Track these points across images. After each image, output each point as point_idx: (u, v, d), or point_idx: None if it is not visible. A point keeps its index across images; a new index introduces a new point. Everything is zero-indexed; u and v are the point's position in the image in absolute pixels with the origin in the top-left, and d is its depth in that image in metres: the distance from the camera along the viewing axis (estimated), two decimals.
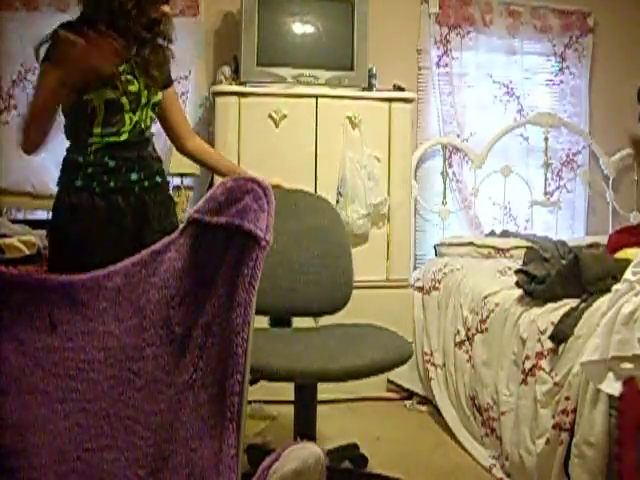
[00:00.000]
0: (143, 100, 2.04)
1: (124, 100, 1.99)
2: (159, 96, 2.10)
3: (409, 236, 3.46)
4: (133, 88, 2.01)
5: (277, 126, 3.15)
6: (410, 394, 3.26)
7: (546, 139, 3.87)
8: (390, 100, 3.27)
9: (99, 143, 2.01)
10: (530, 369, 2.23)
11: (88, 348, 1.47)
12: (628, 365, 1.79)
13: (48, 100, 1.96)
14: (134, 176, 2.04)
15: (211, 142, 3.21)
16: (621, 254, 2.47)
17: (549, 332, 2.16)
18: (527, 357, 2.27)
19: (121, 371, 1.46)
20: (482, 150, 3.77)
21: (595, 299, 2.13)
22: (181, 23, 3.24)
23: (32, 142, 2.03)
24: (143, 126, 2.07)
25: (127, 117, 2.01)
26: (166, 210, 2.12)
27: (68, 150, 2.11)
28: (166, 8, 2.01)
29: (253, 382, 2.02)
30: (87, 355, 1.47)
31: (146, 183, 2.07)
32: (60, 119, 2.10)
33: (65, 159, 2.12)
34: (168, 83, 2.17)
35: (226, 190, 1.47)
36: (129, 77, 2.00)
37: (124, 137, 2.02)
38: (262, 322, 2.29)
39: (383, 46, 3.54)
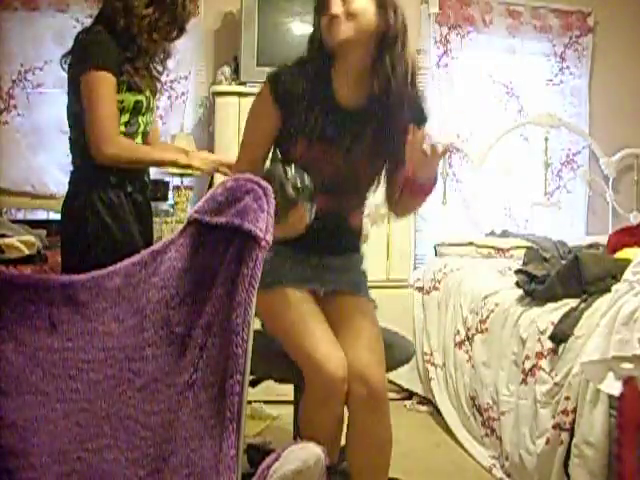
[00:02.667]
0: (151, 105, 2.15)
1: (144, 103, 2.09)
2: (154, 105, 2.20)
3: (409, 236, 3.46)
4: (147, 92, 2.10)
5: None
6: (410, 394, 3.26)
7: (546, 139, 3.87)
8: None
9: None
10: (530, 369, 2.23)
11: (88, 348, 1.47)
12: (628, 365, 1.79)
13: (110, 105, 1.96)
14: (146, 179, 2.18)
15: (211, 142, 3.22)
16: (621, 254, 2.47)
17: (549, 332, 2.16)
18: (527, 357, 2.27)
19: (121, 371, 1.46)
20: (482, 150, 3.77)
21: (595, 299, 2.13)
22: None
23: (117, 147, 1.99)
24: (148, 129, 2.16)
25: (140, 119, 2.10)
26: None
27: (84, 149, 2.03)
28: (179, 39, 2.16)
29: (255, 384, 2.02)
30: (87, 355, 1.47)
31: (148, 189, 2.21)
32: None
33: (88, 158, 2.02)
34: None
35: (226, 190, 1.47)
36: (149, 83, 2.10)
37: (139, 138, 2.11)
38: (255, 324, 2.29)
39: None
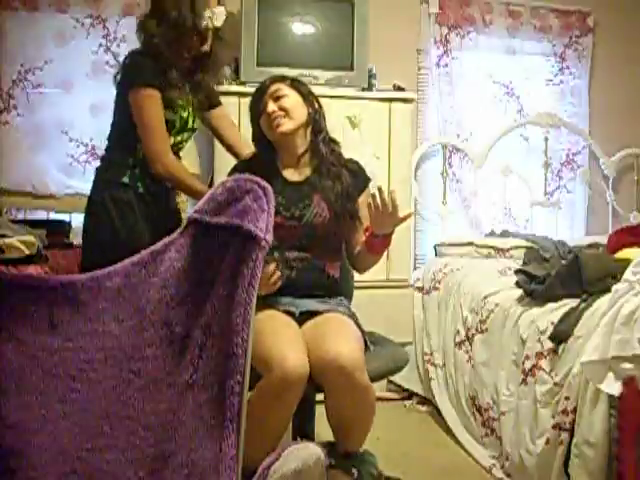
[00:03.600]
0: (189, 125, 2.29)
1: (177, 123, 2.23)
2: (198, 124, 2.36)
3: (409, 236, 3.45)
4: (184, 114, 2.25)
5: None
6: (410, 394, 3.26)
7: (546, 139, 3.87)
8: (390, 100, 3.26)
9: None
10: (530, 369, 2.23)
11: (88, 348, 1.47)
12: (628, 365, 1.79)
13: (160, 121, 2.14)
14: (168, 184, 2.26)
15: (211, 142, 3.21)
16: (621, 254, 2.47)
17: (549, 332, 2.16)
18: (527, 357, 2.27)
19: (121, 371, 1.46)
20: (482, 150, 3.77)
21: (595, 299, 2.13)
22: None
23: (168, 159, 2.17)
24: (180, 146, 2.32)
25: (172, 137, 2.23)
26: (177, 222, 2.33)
27: (111, 149, 2.26)
28: (204, 47, 2.24)
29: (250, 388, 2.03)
30: (87, 355, 1.47)
31: (168, 192, 2.32)
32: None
33: (108, 158, 2.26)
34: (216, 104, 2.42)
35: (226, 190, 1.47)
36: (183, 102, 2.22)
37: None
38: None
39: (383, 46, 3.53)
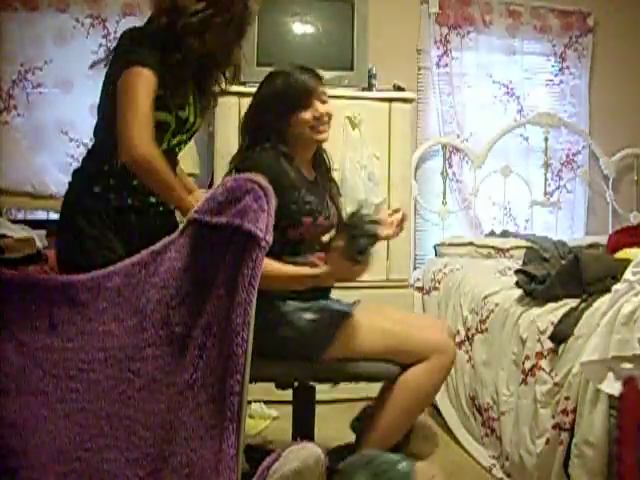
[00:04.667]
0: (187, 127, 2.00)
1: (172, 124, 1.94)
2: (199, 124, 2.08)
3: (409, 236, 3.45)
4: (183, 115, 1.96)
5: None
6: None
7: (546, 139, 3.87)
8: (390, 100, 3.27)
9: None
10: (530, 369, 2.23)
11: (88, 348, 1.47)
12: (628, 365, 1.79)
13: (148, 106, 1.79)
14: (152, 199, 1.96)
15: (211, 142, 3.22)
16: (621, 254, 2.47)
17: (549, 332, 2.16)
18: (527, 357, 2.27)
19: (121, 371, 1.46)
20: (482, 150, 3.77)
21: (595, 299, 2.13)
22: None
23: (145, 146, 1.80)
24: (177, 150, 2.05)
25: (166, 139, 1.95)
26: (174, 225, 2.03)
27: (92, 153, 1.98)
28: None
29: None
30: (87, 355, 1.47)
31: (161, 208, 1.99)
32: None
33: (87, 161, 1.98)
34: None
35: (226, 190, 1.47)
36: (182, 101, 1.94)
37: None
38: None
39: (383, 46, 3.53)
